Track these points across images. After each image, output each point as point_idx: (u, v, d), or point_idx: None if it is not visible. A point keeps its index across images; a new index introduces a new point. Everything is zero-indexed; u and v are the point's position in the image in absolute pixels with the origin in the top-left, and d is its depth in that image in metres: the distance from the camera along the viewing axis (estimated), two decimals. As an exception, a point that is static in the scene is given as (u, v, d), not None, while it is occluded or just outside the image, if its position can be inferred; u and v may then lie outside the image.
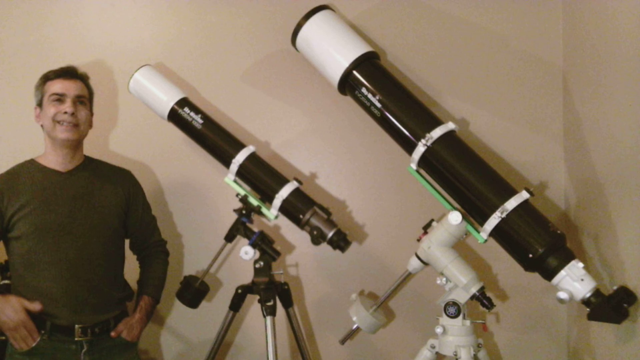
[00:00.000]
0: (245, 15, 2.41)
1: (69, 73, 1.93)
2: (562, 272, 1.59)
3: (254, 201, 2.07)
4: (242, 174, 2.05)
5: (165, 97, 2.08)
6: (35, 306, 1.78)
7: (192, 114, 2.07)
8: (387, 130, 1.86)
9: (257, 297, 2.01)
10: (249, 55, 2.40)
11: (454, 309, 1.75)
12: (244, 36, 2.41)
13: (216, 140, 2.07)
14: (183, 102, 2.09)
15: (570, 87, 2.15)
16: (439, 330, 1.74)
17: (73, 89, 1.91)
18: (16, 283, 1.88)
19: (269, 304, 1.95)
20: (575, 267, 1.59)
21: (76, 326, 1.84)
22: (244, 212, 2.06)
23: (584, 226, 2.01)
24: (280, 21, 2.20)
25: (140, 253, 2.15)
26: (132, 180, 2.10)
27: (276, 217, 2.06)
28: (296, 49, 1.99)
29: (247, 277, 2.09)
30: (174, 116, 2.09)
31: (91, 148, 2.03)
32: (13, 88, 2.46)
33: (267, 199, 2.05)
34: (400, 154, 1.87)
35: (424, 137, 1.74)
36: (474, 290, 1.75)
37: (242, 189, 2.08)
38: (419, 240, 1.86)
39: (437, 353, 1.80)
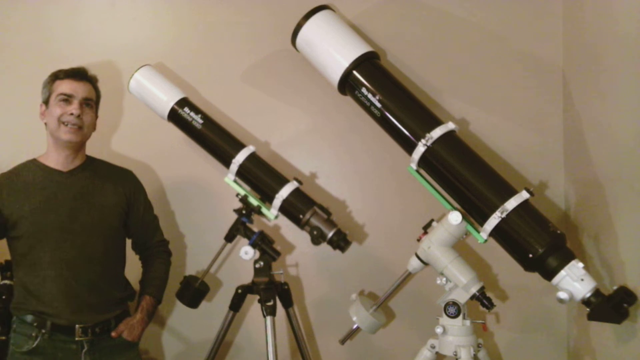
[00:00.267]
0: (245, 15, 2.41)
1: (78, 74, 1.93)
2: (562, 272, 1.59)
3: (254, 201, 2.07)
4: (242, 174, 2.05)
5: (165, 97, 2.09)
6: None
7: (192, 114, 2.07)
8: (387, 130, 1.86)
9: (257, 297, 2.01)
10: (249, 55, 2.40)
11: (454, 309, 1.75)
12: (244, 36, 2.41)
13: (216, 140, 2.08)
14: (183, 102, 2.09)
15: (570, 87, 2.15)
16: (439, 330, 1.74)
17: (81, 91, 1.91)
18: (18, 283, 1.88)
19: (269, 304, 1.95)
20: (575, 267, 1.59)
21: (77, 326, 1.84)
22: (244, 212, 2.06)
23: (584, 226, 2.01)
24: (280, 21, 2.20)
25: (142, 253, 2.15)
26: (133, 180, 2.10)
27: (276, 217, 2.06)
28: (296, 49, 1.99)
29: (247, 277, 2.09)
30: (174, 116, 2.09)
31: (93, 148, 2.03)
32: (13, 88, 2.46)
33: (267, 199, 2.05)
34: (400, 154, 1.88)
35: (424, 137, 1.74)
36: (474, 290, 1.75)
37: (242, 189, 2.08)
38: (419, 240, 1.86)
39: (437, 353, 1.80)
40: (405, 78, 2.28)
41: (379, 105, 1.82)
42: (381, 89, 1.83)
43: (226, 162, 2.06)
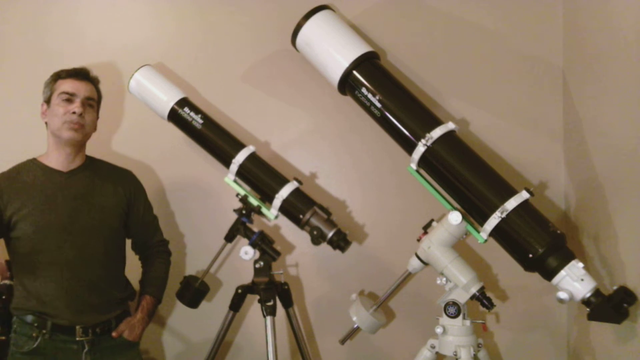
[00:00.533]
0: (245, 15, 2.41)
1: (81, 74, 1.94)
2: (562, 272, 1.59)
3: (254, 201, 2.07)
4: (242, 174, 2.05)
5: (165, 97, 2.09)
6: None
7: (192, 114, 2.07)
8: (387, 130, 1.86)
9: (257, 297, 2.02)
10: (249, 55, 2.40)
11: (454, 309, 1.75)
12: (244, 36, 2.41)
13: (216, 140, 2.08)
14: (183, 102, 2.09)
15: (570, 87, 2.15)
16: (439, 330, 1.74)
17: (83, 90, 1.91)
18: (18, 283, 1.87)
19: (269, 304, 1.95)
20: (575, 267, 1.59)
21: (77, 326, 1.84)
22: (244, 212, 2.06)
23: (584, 226, 2.01)
24: (280, 21, 2.20)
25: (142, 253, 2.15)
26: (133, 181, 2.10)
27: (276, 217, 2.06)
28: (296, 49, 1.99)
29: (247, 277, 2.09)
30: (174, 116, 2.09)
31: (93, 148, 2.03)
32: (13, 88, 2.46)
33: (267, 199, 2.05)
34: (400, 154, 1.88)
35: (424, 137, 1.74)
36: (474, 290, 1.75)
37: (242, 189, 2.08)
38: (419, 240, 1.86)
39: (437, 353, 1.80)
40: (405, 78, 2.28)
41: (379, 105, 1.82)
42: (381, 89, 1.83)
43: (226, 162, 2.06)
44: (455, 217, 1.74)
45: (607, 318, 1.56)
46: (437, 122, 1.78)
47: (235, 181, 2.08)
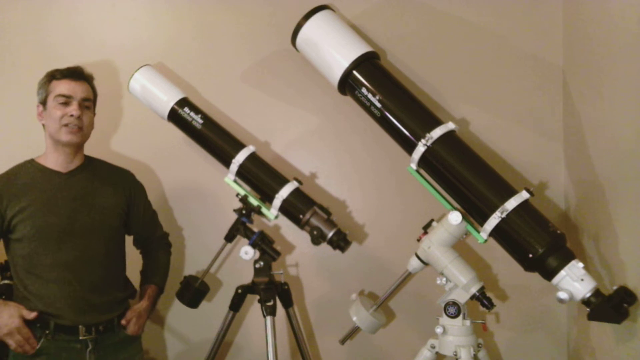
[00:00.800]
0: (245, 15, 2.41)
1: (75, 74, 1.91)
2: (562, 272, 1.59)
3: (254, 201, 2.07)
4: (242, 174, 2.05)
5: (165, 97, 2.09)
6: (31, 314, 1.79)
7: (192, 114, 2.07)
8: (387, 130, 1.86)
9: (257, 297, 2.02)
10: (249, 55, 2.40)
11: (454, 309, 1.75)
12: (244, 36, 2.41)
13: (216, 140, 2.08)
14: (183, 102, 2.09)
15: (570, 87, 2.15)
16: (439, 330, 1.74)
17: (80, 91, 1.89)
18: (18, 284, 1.87)
19: (269, 304, 1.95)
20: (575, 267, 1.59)
21: (80, 326, 1.84)
22: (244, 212, 2.06)
23: (584, 226, 2.01)
24: (280, 21, 2.20)
25: (144, 247, 2.17)
26: (132, 181, 2.10)
27: (276, 217, 2.06)
28: (296, 49, 1.99)
29: (247, 277, 2.10)
30: (174, 116, 2.09)
31: (92, 148, 2.03)
32: (13, 88, 2.46)
33: (267, 199, 2.06)
34: (400, 154, 1.88)
35: (424, 137, 1.74)
36: (474, 290, 1.75)
37: (242, 189, 2.08)
38: (419, 240, 1.86)
39: (437, 353, 1.80)
40: (405, 78, 2.28)
41: (379, 105, 1.82)
42: (381, 89, 1.83)
43: (226, 162, 2.06)
44: (455, 217, 1.74)
45: (607, 318, 1.56)
46: (437, 122, 1.78)
47: (235, 181, 2.08)
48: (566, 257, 1.61)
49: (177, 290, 2.07)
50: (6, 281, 2.08)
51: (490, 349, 2.22)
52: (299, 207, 2.02)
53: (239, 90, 2.40)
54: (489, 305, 1.74)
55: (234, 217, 2.07)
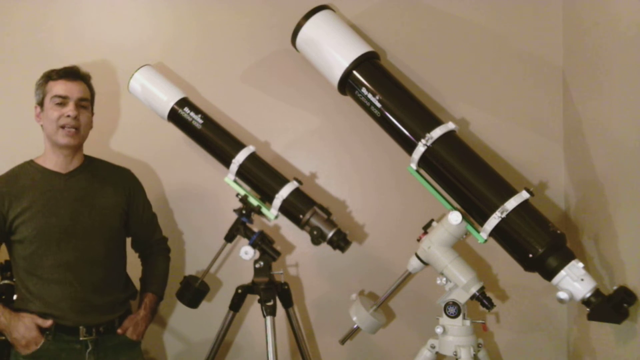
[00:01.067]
0: (245, 15, 2.41)
1: (72, 74, 1.90)
2: (562, 272, 1.59)
3: (254, 201, 2.07)
4: (242, 174, 2.05)
5: (165, 97, 2.09)
6: (47, 323, 1.80)
7: (192, 114, 2.07)
8: (387, 130, 1.86)
9: (257, 297, 2.02)
10: (249, 55, 2.40)
11: (454, 309, 1.75)
12: (244, 36, 2.41)
13: (216, 140, 2.08)
14: (183, 102, 2.09)
15: (570, 87, 2.15)
16: (439, 330, 1.74)
17: (76, 92, 1.89)
18: (19, 285, 1.87)
19: (269, 304, 1.95)
20: (575, 267, 1.59)
21: (81, 326, 1.84)
22: (244, 212, 2.06)
23: (584, 226, 2.01)
24: (280, 21, 2.20)
25: (142, 251, 2.16)
26: (132, 179, 2.10)
27: (276, 217, 2.06)
28: (296, 49, 1.99)
29: (247, 277, 2.10)
30: (174, 116, 2.09)
31: (92, 148, 2.03)
32: (12, 88, 2.46)
33: (267, 199, 2.06)
34: (400, 154, 1.88)
35: (424, 137, 1.74)
36: (474, 290, 1.75)
37: (242, 189, 2.08)
38: (419, 240, 1.86)
39: (437, 353, 1.80)
40: (405, 78, 2.28)
41: (379, 105, 1.82)
42: (381, 89, 1.83)
43: (226, 162, 2.06)
44: (455, 217, 1.74)
45: (607, 318, 1.56)
46: (437, 122, 1.78)
47: (235, 181, 2.08)
48: (566, 257, 1.61)
49: (177, 290, 2.07)
50: (6, 281, 2.08)
51: (490, 349, 2.22)
52: (299, 207, 2.02)
53: (239, 90, 2.40)
54: (489, 305, 1.74)
55: (234, 217, 2.07)
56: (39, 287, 1.83)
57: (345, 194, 2.37)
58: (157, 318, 2.42)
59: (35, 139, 1.99)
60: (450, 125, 1.77)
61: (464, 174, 1.73)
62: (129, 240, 2.13)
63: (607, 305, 1.54)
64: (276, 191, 2.02)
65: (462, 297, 1.76)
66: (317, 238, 1.98)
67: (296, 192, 2.04)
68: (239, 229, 2.05)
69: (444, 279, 1.80)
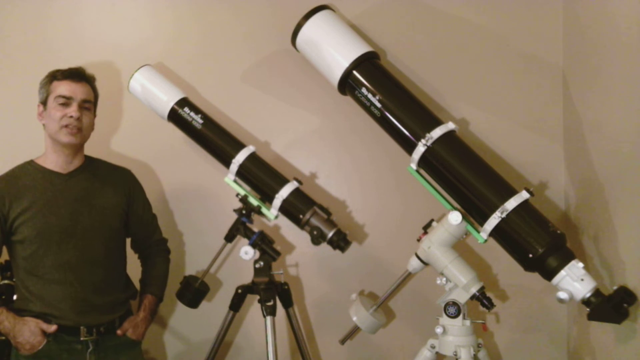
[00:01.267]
0: (245, 15, 2.41)
1: (76, 75, 1.90)
2: (562, 272, 1.59)
3: (254, 201, 2.07)
4: (242, 174, 2.05)
5: (165, 97, 2.09)
6: (52, 328, 1.80)
7: (192, 114, 2.07)
8: (387, 130, 1.86)
9: (257, 297, 2.02)
10: (249, 55, 2.40)
11: (454, 309, 1.75)
12: (244, 36, 2.41)
13: (216, 140, 2.08)
14: (183, 102, 2.09)
15: (570, 87, 2.15)
16: (439, 330, 1.74)
17: (80, 93, 1.89)
18: (19, 285, 1.87)
19: (269, 304, 1.95)
20: (575, 267, 1.59)
21: (81, 327, 1.84)
22: (244, 212, 2.06)
23: (584, 226, 2.01)
24: (280, 21, 2.20)
25: (142, 252, 2.15)
26: (132, 180, 2.10)
27: (276, 217, 2.06)
28: (296, 49, 1.99)
29: (247, 277, 2.10)
30: (174, 116, 2.09)
31: (92, 148, 2.03)
32: (12, 88, 2.46)
33: (267, 199, 2.06)
34: (400, 154, 1.88)
35: (424, 137, 1.74)
36: (474, 290, 1.75)
37: (242, 189, 2.08)
38: (419, 240, 1.86)
39: (437, 353, 1.80)
40: (405, 78, 2.28)
41: (379, 105, 1.82)
42: (381, 89, 1.83)
43: (226, 162, 2.06)
44: (455, 217, 1.74)
45: (607, 318, 1.56)
46: (437, 122, 1.78)
47: (235, 181, 2.08)
48: (566, 257, 1.61)
49: (177, 290, 2.07)
50: (6, 281, 2.08)
51: (490, 349, 2.22)
52: (299, 207, 2.02)
53: (239, 90, 2.40)
54: (489, 305, 1.74)
55: (234, 217, 2.07)
56: (39, 287, 1.83)
57: (345, 194, 2.37)
58: (157, 318, 2.42)
59: (36, 139, 1.99)
60: (450, 125, 1.77)
61: (464, 174, 1.73)
62: (129, 241, 2.13)
63: (607, 305, 1.54)
64: (276, 191, 2.02)
65: (462, 297, 1.76)
66: (317, 238, 1.98)
67: (296, 192, 2.04)
68: (239, 229, 2.05)
69: (444, 279, 1.80)
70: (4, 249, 1.91)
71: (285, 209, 2.03)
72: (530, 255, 1.62)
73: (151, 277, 2.09)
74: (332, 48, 1.89)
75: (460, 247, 1.88)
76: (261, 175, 2.06)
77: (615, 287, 1.59)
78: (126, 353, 1.94)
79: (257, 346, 2.33)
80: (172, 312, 2.44)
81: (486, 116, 2.27)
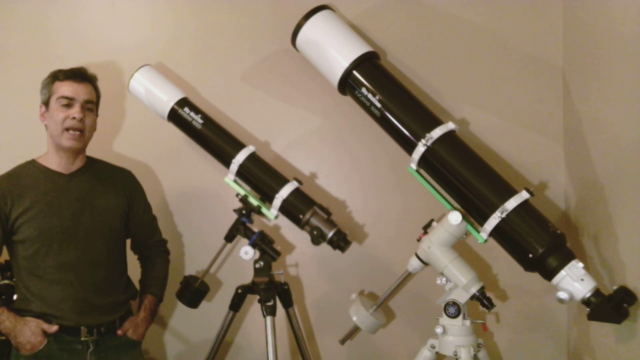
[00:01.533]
0: (245, 15, 2.41)
1: (79, 75, 1.90)
2: (562, 272, 1.59)
3: (254, 201, 2.07)
4: (242, 174, 2.05)
5: (165, 97, 2.09)
6: (53, 328, 1.80)
7: (192, 114, 2.07)
8: (387, 130, 1.86)
9: (257, 297, 2.02)
10: (249, 55, 2.40)
11: (454, 309, 1.75)
12: (244, 36, 2.41)
13: (216, 140, 2.08)
14: (183, 102, 2.09)
15: (570, 87, 2.15)
16: (439, 330, 1.74)
17: (82, 94, 1.88)
18: (20, 286, 1.87)
19: (269, 304, 1.95)
20: (575, 267, 1.59)
21: (82, 327, 1.84)
22: (244, 212, 2.06)
23: (584, 226, 2.01)
24: (280, 21, 2.20)
25: (141, 253, 2.15)
26: (133, 181, 2.10)
27: (276, 217, 2.06)
28: (296, 49, 1.99)
29: (247, 277, 2.10)
30: (174, 116, 2.09)
31: (94, 149, 2.02)
32: (12, 88, 2.46)
33: (267, 199, 2.06)
34: (400, 154, 1.88)
35: (424, 137, 1.74)
36: (474, 290, 1.75)
37: (242, 189, 2.08)
38: (419, 240, 1.86)
39: (437, 353, 1.80)
40: (405, 78, 2.28)
41: (379, 105, 1.82)
42: (381, 89, 1.83)
43: (226, 162, 2.06)
44: (455, 217, 1.74)
45: (607, 318, 1.56)
46: (437, 122, 1.78)
47: (235, 181, 2.08)
48: (566, 257, 1.61)
49: (177, 290, 2.07)
50: (6, 281, 2.08)
51: (490, 349, 2.22)
52: (299, 207, 2.02)
53: (239, 90, 2.40)
54: (489, 305, 1.74)
55: (234, 217, 2.07)
56: (40, 287, 1.83)
57: (345, 194, 2.37)
58: (158, 318, 2.42)
59: (36, 139, 2.00)
60: (450, 125, 1.77)
61: (464, 174, 1.73)
62: (129, 242, 2.13)
63: (607, 305, 1.54)
64: (276, 191, 2.02)
65: (462, 297, 1.76)
66: (317, 238, 1.98)
67: (296, 192, 2.04)
68: (239, 229, 2.05)
69: (444, 279, 1.80)
70: (5, 249, 1.91)
71: (285, 209, 2.03)
72: (530, 255, 1.62)
73: (151, 277, 2.09)
74: (332, 48, 1.89)
75: (460, 247, 1.88)
76: (261, 175, 2.06)
77: (615, 287, 1.59)
78: (126, 353, 1.94)
79: (257, 346, 2.33)
80: (172, 312, 2.44)
81: (486, 116, 2.27)
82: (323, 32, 1.90)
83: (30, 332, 1.78)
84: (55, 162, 1.91)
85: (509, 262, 1.73)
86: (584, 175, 2.01)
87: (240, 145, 2.08)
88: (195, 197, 2.44)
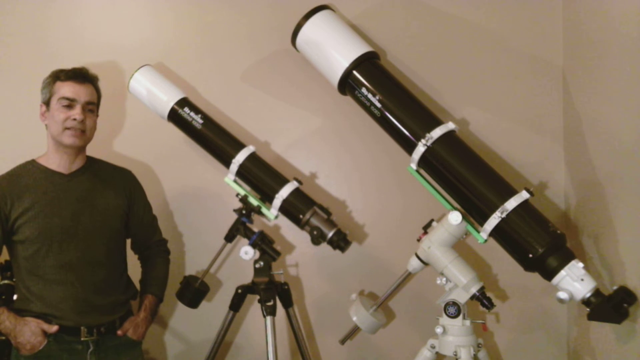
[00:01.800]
0: (245, 15, 2.41)
1: (80, 76, 1.89)
2: (562, 272, 1.59)
3: (254, 201, 2.07)
4: (242, 174, 2.05)
5: (165, 97, 2.09)
6: (53, 329, 1.80)
7: (192, 114, 2.07)
8: (387, 130, 1.86)
9: (257, 297, 2.02)
10: (249, 55, 2.40)
11: (454, 309, 1.76)
12: (244, 36, 2.41)
13: (216, 140, 2.08)
14: (183, 102, 2.09)
15: (570, 87, 2.15)
16: (439, 330, 1.75)
17: (84, 95, 1.88)
18: (20, 286, 1.87)
19: (269, 304, 1.95)
20: (575, 267, 1.59)
21: (82, 327, 1.84)
22: (244, 212, 2.06)
23: (584, 226, 2.01)
24: (280, 21, 2.20)
25: (142, 253, 2.15)
26: (133, 181, 2.10)
27: (276, 217, 2.06)
28: (296, 49, 2.00)
29: (247, 277, 2.10)
30: (174, 116, 2.09)
31: (94, 149, 2.02)
32: (12, 88, 2.46)
33: (267, 199, 2.06)
34: (400, 154, 1.88)
35: (424, 137, 1.74)
36: (474, 290, 1.75)
37: (242, 189, 2.09)
38: (419, 240, 1.86)
39: (437, 353, 1.80)
40: (405, 78, 2.28)
41: (379, 105, 1.82)
42: (381, 89, 1.83)
43: (226, 162, 2.06)
44: (455, 217, 1.74)
45: (607, 318, 1.56)
46: (437, 122, 1.78)
47: (235, 181, 2.08)
48: (566, 257, 1.61)
49: (177, 290, 2.07)
50: (6, 281, 2.08)
51: (490, 349, 2.22)
52: (299, 207, 2.02)
53: (239, 90, 2.40)
54: (489, 305, 1.74)
55: (234, 217, 2.07)
56: (40, 287, 1.83)
57: (345, 194, 2.37)
58: (158, 318, 2.42)
59: (36, 139, 1.99)
60: (450, 125, 1.77)
61: (464, 174, 1.73)
62: (129, 242, 2.13)
63: (607, 305, 1.54)
64: (276, 191, 2.02)
65: (462, 297, 1.76)
66: (317, 238, 1.98)
67: (296, 192, 2.04)
68: (239, 229, 2.05)
69: (444, 279, 1.80)
70: (5, 249, 1.91)
71: (285, 209, 2.03)
72: (530, 255, 1.62)
73: (151, 277, 2.09)
74: (332, 48, 1.89)
75: (460, 247, 1.88)
76: (261, 175, 2.06)
77: (615, 287, 1.59)
78: (127, 353, 1.94)
79: (257, 346, 2.33)
80: (172, 312, 2.44)
81: (486, 116, 2.27)
82: (323, 32, 1.90)
83: (30, 332, 1.78)
84: (55, 162, 1.91)
85: (509, 262, 1.73)
86: (584, 175, 2.01)
87: (240, 145, 2.08)
88: (195, 197, 2.44)
